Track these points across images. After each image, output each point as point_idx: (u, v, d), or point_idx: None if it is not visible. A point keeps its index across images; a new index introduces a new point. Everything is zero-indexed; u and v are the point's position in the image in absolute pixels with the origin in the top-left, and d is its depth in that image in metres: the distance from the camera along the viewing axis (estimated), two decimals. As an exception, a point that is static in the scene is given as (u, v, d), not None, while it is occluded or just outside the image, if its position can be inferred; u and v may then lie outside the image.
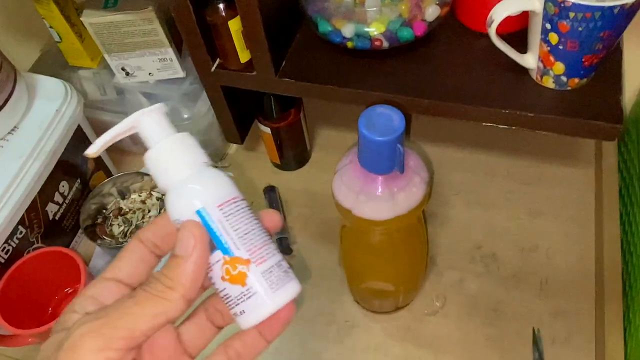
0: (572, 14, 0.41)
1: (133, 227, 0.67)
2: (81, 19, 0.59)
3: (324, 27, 0.53)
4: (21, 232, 0.57)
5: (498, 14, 0.44)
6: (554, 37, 0.44)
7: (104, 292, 0.28)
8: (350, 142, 0.72)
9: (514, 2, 0.43)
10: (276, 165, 0.71)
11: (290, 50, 0.56)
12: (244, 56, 0.54)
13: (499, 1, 0.44)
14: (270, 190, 0.68)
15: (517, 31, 0.51)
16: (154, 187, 0.69)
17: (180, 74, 0.66)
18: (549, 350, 0.54)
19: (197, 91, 0.67)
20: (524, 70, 0.50)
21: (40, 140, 0.57)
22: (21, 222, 0.56)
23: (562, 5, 0.41)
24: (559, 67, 0.46)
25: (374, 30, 0.51)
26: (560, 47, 0.44)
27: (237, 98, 0.62)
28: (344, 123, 0.74)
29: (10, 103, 0.56)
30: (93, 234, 0.65)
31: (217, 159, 0.73)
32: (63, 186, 0.62)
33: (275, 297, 0.28)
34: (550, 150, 0.68)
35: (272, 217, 0.32)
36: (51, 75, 0.63)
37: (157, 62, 0.64)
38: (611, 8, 0.40)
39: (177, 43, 0.65)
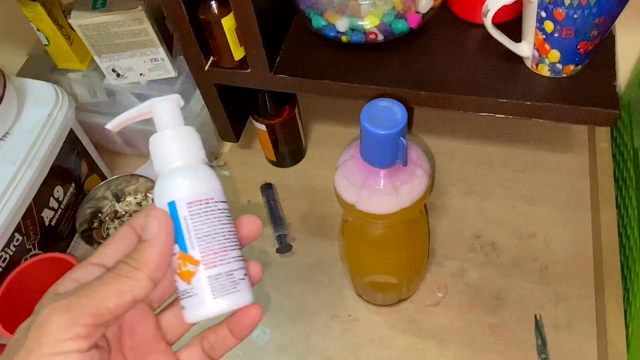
0: (567, 1, 0.41)
1: (130, 229, 0.66)
2: (69, 20, 0.58)
3: (317, 22, 0.52)
4: (17, 240, 0.56)
5: (494, 4, 0.44)
6: (549, 25, 0.44)
7: (87, 276, 0.28)
8: (345, 136, 0.72)
9: (509, -9, 0.43)
10: (272, 162, 0.71)
11: (284, 47, 0.55)
12: (237, 54, 0.53)
13: (492, -9, 0.44)
14: (267, 188, 0.68)
15: (510, 20, 0.51)
16: (149, 189, 0.69)
17: (172, 73, 0.66)
18: (551, 335, 0.55)
19: (190, 90, 0.67)
20: (518, 59, 0.50)
21: (33, 146, 0.56)
22: (17, 229, 0.55)
23: (558, -8, 0.41)
24: (555, 55, 0.46)
25: (369, 23, 0.51)
26: (556, 34, 0.44)
27: (231, 96, 0.62)
28: (338, 118, 0.74)
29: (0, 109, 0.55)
30: (90, 238, 0.65)
31: (212, 158, 0.73)
32: (58, 191, 0.61)
33: (214, 303, 0.29)
34: (544, 137, 0.69)
35: (252, 223, 0.32)
36: (39, 79, 0.62)
37: (148, 62, 0.64)
38: (606, -6, 0.40)
39: (167, 42, 0.64)
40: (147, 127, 0.67)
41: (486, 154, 0.69)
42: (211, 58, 0.56)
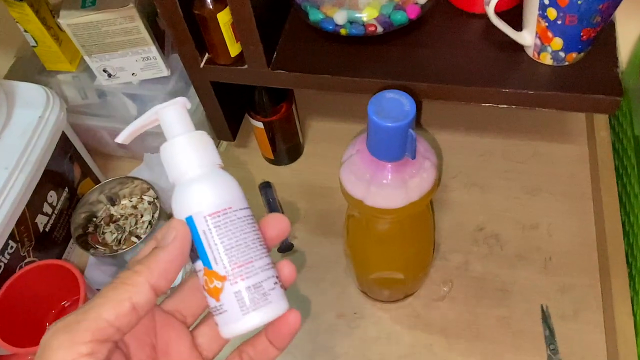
0: (571, -12, 0.40)
1: (126, 233, 0.65)
2: (58, 20, 0.57)
3: (315, 16, 0.52)
4: (12, 247, 0.54)
5: (496, -8, 0.43)
6: (552, 13, 0.43)
7: None
8: (343, 132, 0.71)
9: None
10: (269, 161, 0.70)
11: (280, 41, 0.54)
12: (234, 50, 0.52)
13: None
14: (265, 187, 0.67)
15: (509, 9, 0.51)
16: (144, 191, 0.67)
17: (165, 72, 0.64)
18: (559, 325, 0.54)
19: (183, 89, 0.65)
20: (519, 48, 0.50)
21: (25, 150, 0.54)
22: (11, 236, 0.54)
23: (562, -21, 0.40)
24: (557, 43, 0.46)
25: (368, 15, 0.50)
26: (559, 22, 0.44)
27: (226, 94, 0.61)
28: (335, 113, 0.73)
29: (-11, 113, 0.53)
30: (85, 243, 0.63)
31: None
32: (51, 196, 0.60)
33: (245, 320, 0.28)
34: (542, 127, 0.68)
35: (279, 223, 0.31)
36: (28, 82, 0.60)
37: (140, 61, 0.62)
38: (611, -21, 0.39)
39: (158, 40, 0.62)
40: (140, 128, 0.65)
41: (485, 145, 0.68)
42: (206, 55, 0.54)
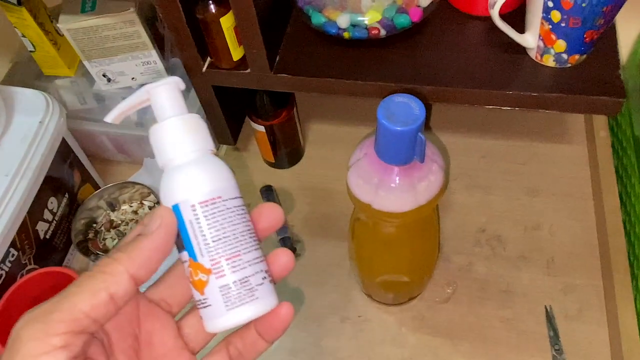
0: (576, -9, 0.41)
1: (127, 239, 0.64)
2: (58, 25, 0.56)
3: (317, 19, 0.51)
4: (13, 255, 0.54)
5: (501, -5, 0.43)
6: (556, 15, 0.44)
7: None
8: (343, 134, 0.71)
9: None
10: (270, 164, 0.70)
11: (283, 45, 0.54)
12: (236, 54, 0.52)
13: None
14: (267, 190, 0.67)
15: (511, 12, 0.51)
16: (144, 196, 0.67)
17: (165, 76, 0.64)
18: (563, 326, 0.55)
19: (184, 93, 0.65)
20: (521, 50, 0.50)
21: (25, 157, 0.54)
22: (12, 244, 0.53)
23: (567, -18, 0.40)
24: (560, 45, 0.46)
25: (370, 19, 0.50)
26: (563, 24, 0.44)
27: (228, 97, 0.60)
28: (335, 116, 0.73)
29: (-12, 119, 0.53)
30: (86, 249, 0.63)
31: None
32: (52, 203, 0.59)
33: (230, 316, 0.27)
34: (541, 128, 0.69)
35: (272, 213, 0.30)
36: (25, 87, 0.59)
37: (140, 65, 0.62)
38: (616, -18, 0.40)
39: (158, 44, 0.62)
40: (139, 133, 0.65)
41: (485, 147, 0.68)
42: (208, 59, 0.54)
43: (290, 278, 0.61)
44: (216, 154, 0.29)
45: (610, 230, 0.58)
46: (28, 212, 0.54)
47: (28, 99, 0.58)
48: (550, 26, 0.45)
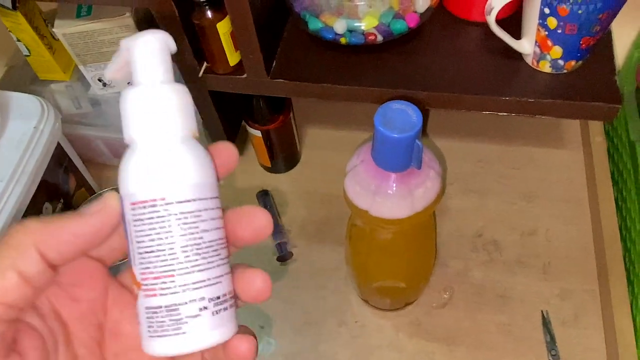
0: (572, -2, 0.41)
1: (123, 244, 0.64)
2: (53, 29, 0.56)
3: (314, 25, 0.51)
4: (7, 261, 0.53)
5: (497, 1, 0.43)
6: (552, 22, 0.44)
7: None
8: (339, 139, 0.71)
9: (512, -12, 0.43)
10: (266, 169, 0.69)
11: (280, 50, 0.54)
12: (233, 59, 0.52)
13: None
14: (263, 195, 0.67)
15: (507, 17, 0.51)
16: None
17: (161, 81, 0.63)
18: (559, 331, 0.55)
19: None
20: (517, 56, 0.50)
21: (20, 162, 0.53)
22: (7, 250, 0.53)
23: (563, -11, 0.41)
24: (557, 51, 0.46)
25: (367, 24, 0.50)
26: (559, 31, 0.44)
27: (224, 102, 0.60)
28: (331, 120, 0.73)
29: (-18, 124, 0.52)
30: (81, 255, 0.62)
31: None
32: (47, 208, 0.59)
33: (148, 343, 0.23)
34: (537, 133, 0.69)
35: (226, 149, 0.25)
36: (20, 92, 0.59)
37: (136, 70, 0.61)
38: (612, -11, 0.40)
39: (154, 49, 0.62)
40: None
41: (481, 152, 0.69)
42: (205, 64, 0.54)
43: (286, 282, 0.61)
44: (197, 139, 0.24)
45: (606, 235, 0.58)
46: (23, 217, 0.54)
47: (23, 103, 0.57)
48: (547, 32, 0.45)
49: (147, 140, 0.23)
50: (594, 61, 0.49)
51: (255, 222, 0.25)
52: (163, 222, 0.22)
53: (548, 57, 0.47)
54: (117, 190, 0.24)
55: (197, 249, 0.22)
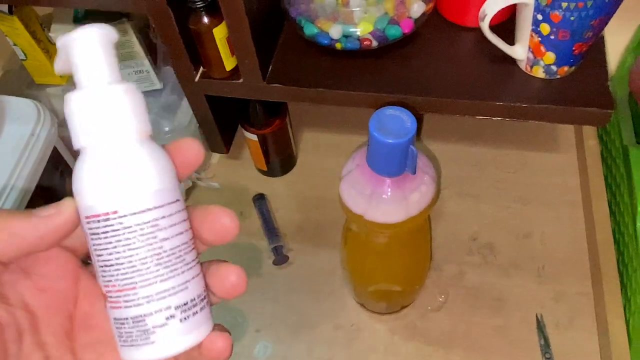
0: (564, 4, 0.41)
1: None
2: (50, 34, 0.56)
3: (310, 30, 0.52)
4: (3, 265, 0.53)
5: (491, 8, 0.44)
6: (545, 28, 0.44)
7: None
8: (335, 143, 0.71)
9: (506, -6, 0.44)
10: (262, 172, 0.70)
11: (276, 55, 0.54)
12: (229, 64, 0.52)
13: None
14: (259, 199, 0.67)
15: (500, 23, 0.52)
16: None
17: (157, 85, 0.64)
18: (553, 334, 0.55)
19: (176, 102, 0.65)
20: (511, 61, 0.50)
21: (16, 167, 0.53)
22: (3, 254, 0.53)
23: (556, -5, 0.41)
24: (550, 57, 0.47)
25: (362, 30, 0.50)
26: (552, 37, 0.44)
27: (220, 107, 0.60)
28: (327, 124, 0.73)
29: (-21, 128, 0.52)
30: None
31: (201, 170, 0.71)
32: (43, 212, 0.59)
33: (122, 351, 0.23)
34: (531, 137, 0.70)
35: (191, 147, 0.24)
36: (16, 96, 0.59)
37: (132, 74, 0.62)
38: (604, -4, 0.40)
39: (150, 53, 0.62)
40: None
41: (476, 156, 0.69)
42: (201, 69, 0.54)
43: (282, 286, 0.61)
44: (152, 139, 0.23)
45: (599, 239, 0.58)
46: (19, 222, 0.54)
47: (19, 107, 0.57)
48: (540, 38, 0.45)
49: (96, 148, 0.21)
50: (587, 67, 0.49)
51: (219, 223, 0.24)
52: (118, 236, 0.21)
53: (541, 62, 0.47)
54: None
55: (158, 259, 0.22)
